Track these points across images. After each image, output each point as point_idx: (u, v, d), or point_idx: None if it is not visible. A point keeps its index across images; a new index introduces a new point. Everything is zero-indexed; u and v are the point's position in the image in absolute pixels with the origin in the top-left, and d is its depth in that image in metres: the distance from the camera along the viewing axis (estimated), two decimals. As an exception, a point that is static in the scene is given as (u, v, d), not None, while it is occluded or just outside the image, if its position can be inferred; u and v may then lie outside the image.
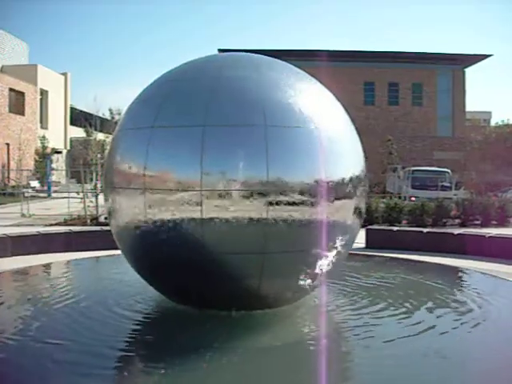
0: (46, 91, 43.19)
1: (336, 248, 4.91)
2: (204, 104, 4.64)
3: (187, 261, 4.62)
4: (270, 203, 4.40)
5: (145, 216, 4.59)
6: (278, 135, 4.55)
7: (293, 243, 4.64)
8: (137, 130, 4.88)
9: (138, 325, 4.92)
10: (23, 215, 17.42)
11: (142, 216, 4.62)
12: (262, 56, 5.53)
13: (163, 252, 4.70)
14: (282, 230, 4.48)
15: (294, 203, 4.48)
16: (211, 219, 4.39)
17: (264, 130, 4.48)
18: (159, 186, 4.55)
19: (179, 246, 4.57)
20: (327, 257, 4.87)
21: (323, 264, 4.88)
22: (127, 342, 4.57)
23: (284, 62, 5.43)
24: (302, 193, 4.50)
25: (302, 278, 4.90)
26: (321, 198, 4.57)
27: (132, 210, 4.72)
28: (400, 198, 21.08)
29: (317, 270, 4.89)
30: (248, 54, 5.77)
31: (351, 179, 4.86)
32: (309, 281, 4.97)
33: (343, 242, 4.97)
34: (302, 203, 4.51)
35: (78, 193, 17.08)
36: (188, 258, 4.61)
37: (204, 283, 4.71)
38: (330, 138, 4.78)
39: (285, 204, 4.45)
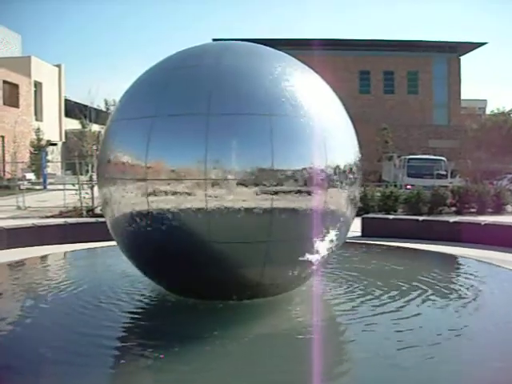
0: (40, 83, 42.90)
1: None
2: (157, 95, 4.76)
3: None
4: (212, 192, 4.34)
5: (116, 207, 4.83)
6: (223, 123, 4.45)
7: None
8: (112, 122, 5.20)
9: (134, 314, 4.99)
10: (19, 208, 17.39)
11: (109, 206, 4.96)
12: (234, 42, 5.45)
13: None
14: (224, 219, 4.39)
15: (237, 193, 4.36)
16: (158, 210, 4.48)
17: (206, 119, 4.43)
18: (116, 175, 4.76)
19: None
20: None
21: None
22: (127, 330, 4.63)
23: (257, 47, 5.29)
24: (243, 182, 4.34)
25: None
26: (267, 186, 4.37)
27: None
28: (396, 186, 21.10)
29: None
30: (217, 42, 5.85)
31: (309, 168, 4.56)
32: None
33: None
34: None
35: (73, 184, 17.06)
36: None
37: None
38: (300, 125, 4.59)
39: (228, 194, 4.35)
